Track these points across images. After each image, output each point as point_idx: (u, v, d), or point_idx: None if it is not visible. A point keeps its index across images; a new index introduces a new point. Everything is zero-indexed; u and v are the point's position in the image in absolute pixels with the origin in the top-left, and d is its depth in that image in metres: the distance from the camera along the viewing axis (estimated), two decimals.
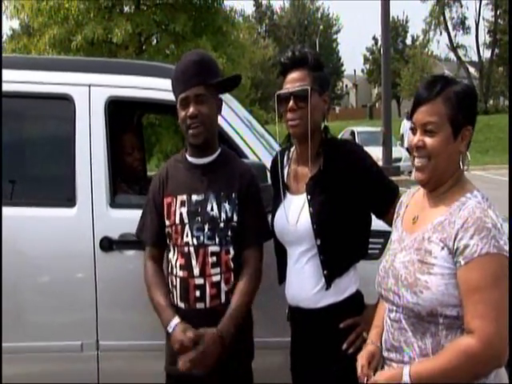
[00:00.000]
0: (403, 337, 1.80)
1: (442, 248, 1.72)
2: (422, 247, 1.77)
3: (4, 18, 15.25)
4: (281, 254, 2.45)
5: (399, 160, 15.71)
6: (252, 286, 2.42)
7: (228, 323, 2.34)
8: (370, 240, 2.43)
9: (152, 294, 2.46)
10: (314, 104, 2.28)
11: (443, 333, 1.72)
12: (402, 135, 18.72)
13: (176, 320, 2.35)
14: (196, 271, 2.41)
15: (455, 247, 1.69)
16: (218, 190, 2.44)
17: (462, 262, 1.67)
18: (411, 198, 1.98)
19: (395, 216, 2.02)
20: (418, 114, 1.79)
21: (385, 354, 1.88)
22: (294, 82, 2.31)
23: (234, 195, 2.44)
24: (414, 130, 1.82)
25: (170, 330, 2.35)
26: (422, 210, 1.87)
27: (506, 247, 1.66)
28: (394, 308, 1.83)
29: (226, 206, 2.43)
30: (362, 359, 1.91)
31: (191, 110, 2.39)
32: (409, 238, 1.85)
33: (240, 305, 2.38)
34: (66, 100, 2.98)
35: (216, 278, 2.41)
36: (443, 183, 1.81)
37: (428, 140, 1.77)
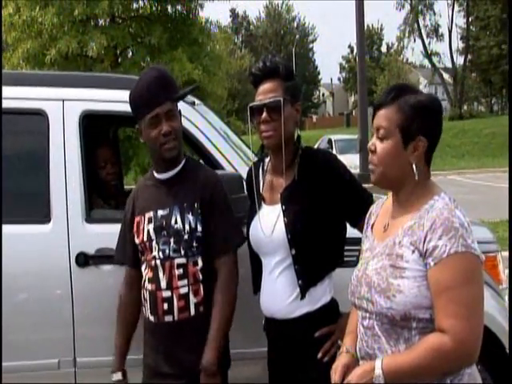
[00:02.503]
0: (377, 344, 1.80)
1: (413, 251, 1.73)
2: (394, 252, 1.78)
3: None
4: (256, 264, 2.45)
5: None
6: (227, 296, 2.39)
7: (209, 351, 2.33)
8: (349, 247, 2.44)
9: (116, 326, 2.60)
10: (287, 115, 2.29)
11: (416, 338, 1.73)
12: None
13: (118, 376, 2.55)
14: (163, 284, 2.41)
15: (425, 249, 1.70)
16: (181, 201, 2.44)
17: (432, 263, 1.68)
18: (381, 208, 2.00)
19: (365, 226, 2.04)
20: (375, 118, 1.84)
21: (360, 362, 1.88)
22: (266, 93, 2.31)
23: (196, 205, 2.43)
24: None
25: (112, 378, 2.54)
26: (391, 218, 1.89)
27: (474, 245, 1.68)
28: (368, 315, 1.83)
29: (190, 216, 2.42)
30: (336, 375, 1.88)
31: (165, 127, 2.38)
32: (380, 245, 1.86)
33: (219, 322, 2.36)
34: (39, 115, 2.96)
35: (184, 290, 2.40)
36: (400, 189, 1.84)
37: (378, 145, 1.81)
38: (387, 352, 1.77)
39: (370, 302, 1.80)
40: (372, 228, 1.97)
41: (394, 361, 1.72)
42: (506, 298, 3.25)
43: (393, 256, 1.77)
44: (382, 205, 2.01)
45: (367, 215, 2.06)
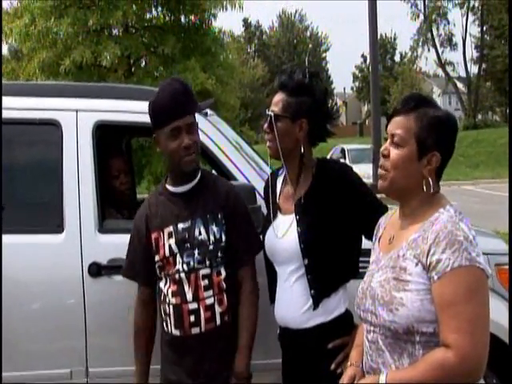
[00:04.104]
0: (381, 358, 1.79)
1: (416, 264, 1.71)
2: (397, 265, 1.76)
3: None
4: (272, 273, 2.44)
5: None
6: (254, 306, 2.46)
7: (241, 358, 2.39)
8: (364, 259, 2.42)
9: (135, 348, 2.55)
10: (281, 130, 2.30)
11: (420, 352, 1.71)
12: None
13: None
14: (189, 296, 2.40)
15: (428, 262, 1.68)
16: (203, 213, 2.43)
17: (436, 277, 1.66)
18: (388, 220, 1.99)
19: (373, 238, 2.03)
20: (390, 124, 1.83)
21: (366, 376, 1.86)
22: (272, 104, 2.34)
23: (220, 216, 2.44)
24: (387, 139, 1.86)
25: None
26: (397, 230, 1.88)
27: (479, 259, 1.66)
28: (372, 328, 1.82)
29: (214, 228, 2.43)
30: None
31: (186, 140, 2.36)
32: (385, 257, 1.85)
33: (249, 330, 2.43)
34: (53, 125, 2.98)
35: (209, 301, 2.40)
36: (406, 200, 1.83)
37: (392, 151, 1.80)
38: (391, 367, 1.76)
39: (374, 315, 1.79)
40: (379, 240, 1.96)
41: (397, 375, 1.70)
42: None
43: (396, 269, 1.76)
44: (390, 217, 2.00)
45: (376, 227, 2.05)
